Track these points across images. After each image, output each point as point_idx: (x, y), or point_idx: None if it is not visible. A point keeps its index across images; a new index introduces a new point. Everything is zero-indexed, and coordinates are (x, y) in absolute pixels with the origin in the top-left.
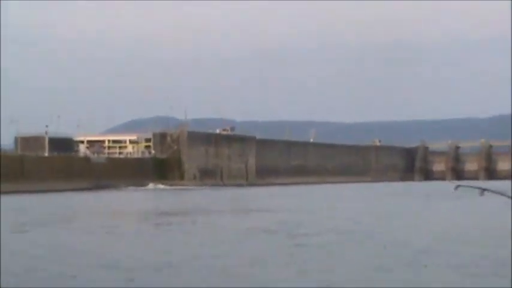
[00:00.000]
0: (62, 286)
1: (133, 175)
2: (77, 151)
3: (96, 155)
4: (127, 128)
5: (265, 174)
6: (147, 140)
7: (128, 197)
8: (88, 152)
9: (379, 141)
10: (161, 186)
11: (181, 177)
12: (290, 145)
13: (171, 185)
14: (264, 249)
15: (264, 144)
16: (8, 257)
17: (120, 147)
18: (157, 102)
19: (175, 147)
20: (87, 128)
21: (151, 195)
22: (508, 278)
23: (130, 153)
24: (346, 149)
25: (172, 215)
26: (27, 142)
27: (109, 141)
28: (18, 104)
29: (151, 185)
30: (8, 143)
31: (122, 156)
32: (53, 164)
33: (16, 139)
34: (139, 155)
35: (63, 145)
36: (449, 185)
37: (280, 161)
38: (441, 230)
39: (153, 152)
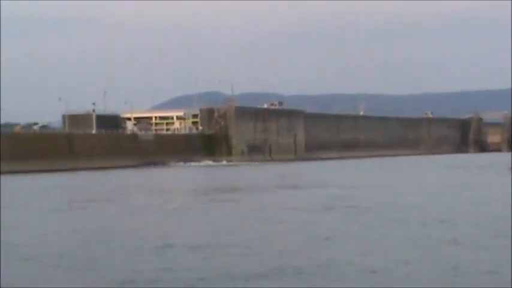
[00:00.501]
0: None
1: (180, 151)
2: (124, 128)
3: (143, 131)
4: (173, 104)
5: (314, 149)
6: (194, 116)
7: (176, 173)
8: (135, 129)
9: (431, 113)
10: (209, 162)
11: (229, 153)
12: (339, 119)
13: (219, 161)
14: (327, 228)
15: (313, 119)
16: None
17: (167, 124)
18: (203, 77)
19: (223, 122)
20: (134, 105)
21: (199, 172)
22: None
23: (177, 129)
24: (397, 122)
25: (223, 191)
26: (75, 120)
27: (156, 117)
28: (66, 82)
29: (199, 161)
30: (55, 120)
31: (169, 132)
32: (101, 142)
33: (64, 117)
34: (187, 131)
35: (111, 122)
36: (507, 156)
37: (329, 135)
38: None
39: (200, 128)
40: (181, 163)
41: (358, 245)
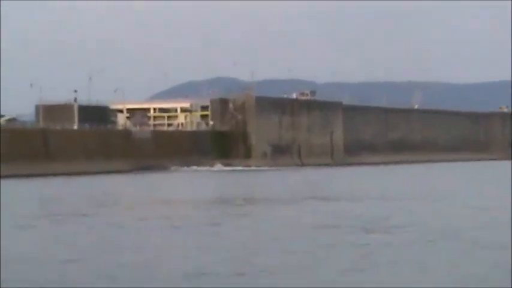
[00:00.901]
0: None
1: (185, 153)
2: (114, 123)
3: (138, 127)
4: (177, 92)
5: (356, 151)
6: (204, 108)
7: (178, 181)
8: (128, 123)
9: (506, 106)
10: (222, 167)
11: (248, 155)
12: (388, 113)
13: (234, 166)
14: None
15: (353, 112)
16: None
17: (168, 118)
18: (214, 60)
19: (240, 116)
20: (126, 93)
21: (208, 179)
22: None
23: (182, 125)
24: (462, 118)
25: (235, 204)
26: (51, 112)
27: (155, 109)
28: (40, 66)
29: (208, 166)
30: (27, 112)
31: (171, 129)
32: (84, 140)
33: (37, 108)
34: (194, 128)
35: (97, 115)
36: None
37: (375, 133)
38: None
39: (210, 123)
40: (186, 168)
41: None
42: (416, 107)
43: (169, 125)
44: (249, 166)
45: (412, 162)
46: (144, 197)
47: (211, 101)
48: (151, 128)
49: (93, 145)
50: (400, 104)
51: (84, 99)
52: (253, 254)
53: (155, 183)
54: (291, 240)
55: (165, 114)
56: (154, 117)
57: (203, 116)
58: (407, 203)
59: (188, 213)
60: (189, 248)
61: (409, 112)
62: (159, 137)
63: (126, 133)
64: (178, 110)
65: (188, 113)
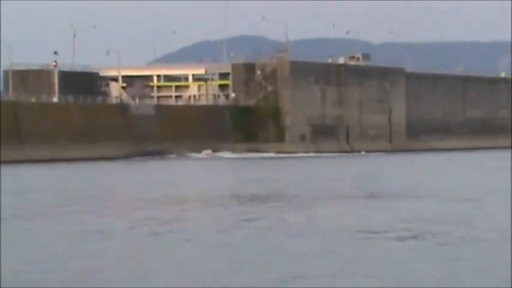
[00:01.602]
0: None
1: (199, 135)
2: (106, 95)
3: (137, 100)
4: (188, 55)
5: (422, 133)
6: (223, 76)
7: (189, 171)
8: (124, 95)
9: None
10: (245, 153)
11: (280, 138)
12: (465, 83)
13: (262, 151)
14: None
15: (419, 82)
16: None
17: (177, 89)
18: (238, 13)
19: (270, 87)
20: (123, 56)
21: (228, 169)
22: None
23: (194, 97)
24: None
25: (264, 200)
26: (24, 79)
27: (159, 77)
28: (11, 20)
29: (230, 151)
30: None
31: (180, 103)
32: (67, 117)
33: (6, 74)
34: (210, 102)
35: (84, 85)
36: None
37: (447, 110)
38: None
39: (232, 95)
40: (200, 154)
41: None
42: (503, 75)
43: (177, 97)
44: (282, 152)
45: (498, 148)
46: (141, 193)
47: (233, 67)
48: (155, 101)
49: (78, 124)
50: (481, 71)
51: (68, 63)
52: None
53: (158, 173)
54: (332, 254)
55: (173, 84)
56: (159, 87)
57: (222, 87)
58: (494, 206)
59: (197, 217)
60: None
61: (493, 82)
62: (165, 113)
63: (122, 108)
64: (190, 78)
65: (203, 83)
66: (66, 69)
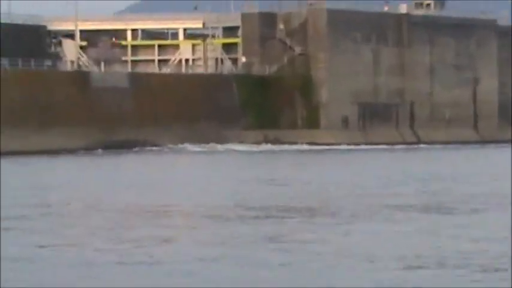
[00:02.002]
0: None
1: (194, 118)
2: (58, 57)
3: (103, 67)
4: (178, 2)
5: None
6: (229, 32)
7: (180, 170)
8: (84, 59)
9: None
10: (262, 144)
11: (313, 123)
12: None
13: (286, 141)
14: None
15: None
16: None
17: (162, 49)
18: None
19: (298, 49)
20: (82, 3)
21: (239, 167)
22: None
23: (187, 62)
24: None
25: (285, 214)
26: None
27: (135, 33)
28: None
29: (237, 142)
30: None
31: (166, 71)
32: (1, 91)
33: None
34: (210, 69)
35: (26, 43)
36: None
37: None
38: None
39: (242, 60)
40: (194, 146)
41: None
42: None
43: (162, 62)
44: (315, 143)
45: None
46: (112, 200)
47: (244, 19)
48: (129, 68)
49: (17, 101)
50: None
51: (4, 12)
52: None
53: (133, 173)
54: None
55: (155, 43)
56: (135, 47)
57: (228, 47)
58: None
59: (199, 236)
60: None
61: None
62: (144, 85)
63: (80, 78)
64: (181, 34)
65: (199, 41)
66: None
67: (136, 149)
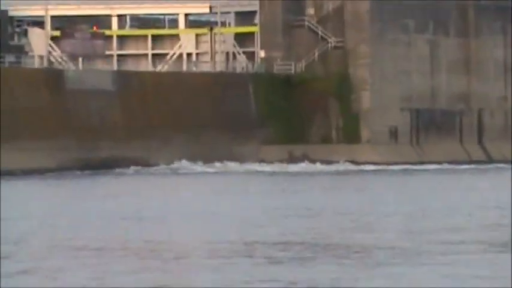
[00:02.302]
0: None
1: (198, 129)
2: (23, 51)
3: (81, 63)
4: None
5: None
6: (243, 19)
7: (183, 197)
8: (57, 53)
9: None
10: (286, 164)
11: (353, 136)
12: None
13: (317, 159)
14: None
15: None
16: None
17: (156, 41)
18: None
19: (333, 40)
20: None
21: (252, 195)
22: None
23: (189, 57)
24: None
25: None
26: None
27: (122, 20)
28: None
29: (252, 162)
30: None
31: (162, 69)
32: None
33: None
34: (219, 66)
35: None
36: None
37: None
38: None
39: (261, 54)
40: (200, 165)
41: None
42: None
43: (157, 57)
44: (356, 162)
45: None
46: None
47: (262, 1)
48: (114, 65)
49: None
50: None
51: None
52: None
53: (116, 202)
54: None
55: (148, 33)
56: (121, 38)
57: (242, 38)
58: None
59: None
60: None
61: None
62: (134, 87)
63: (52, 78)
64: (181, 21)
65: (205, 30)
66: None
67: (125, 169)
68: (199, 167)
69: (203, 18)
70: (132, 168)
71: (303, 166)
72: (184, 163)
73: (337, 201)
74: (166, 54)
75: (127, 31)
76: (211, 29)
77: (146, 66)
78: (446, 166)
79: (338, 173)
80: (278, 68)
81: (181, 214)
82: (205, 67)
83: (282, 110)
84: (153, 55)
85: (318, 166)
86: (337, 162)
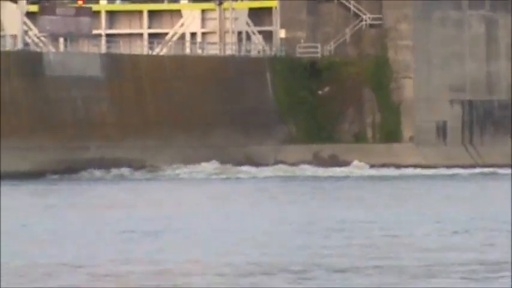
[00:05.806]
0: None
1: (204, 126)
2: None
3: (63, 45)
4: None
5: None
6: None
7: (186, 209)
8: (34, 33)
9: None
10: (311, 166)
11: (392, 133)
12: None
13: (349, 162)
14: None
15: None
16: None
17: (153, 17)
18: None
19: (367, 17)
20: None
21: (267, 205)
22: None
23: (193, 38)
24: None
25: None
26: None
27: None
28: None
29: (271, 162)
30: None
31: (161, 52)
32: None
33: None
34: (230, 49)
35: None
36: None
37: None
38: None
39: (280, 34)
40: (204, 169)
41: None
42: None
43: (154, 37)
44: (397, 165)
45: None
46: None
47: None
48: (103, 47)
49: None
50: None
51: None
52: None
53: (102, 215)
54: None
55: (144, 8)
56: (111, 14)
57: (257, 13)
58: None
59: None
60: None
61: None
62: (127, 74)
63: (29, 62)
64: None
65: (212, 4)
66: None
67: (116, 172)
68: (205, 171)
69: None
70: (126, 170)
71: (332, 171)
72: (187, 166)
73: (373, 215)
74: (166, 34)
75: (118, 5)
76: (220, 4)
77: (141, 48)
78: (505, 171)
79: (374, 178)
80: (301, 50)
81: (179, 231)
82: (213, 50)
83: (305, 102)
84: (150, 35)
85: (350, 169)
86: (374, 165)
